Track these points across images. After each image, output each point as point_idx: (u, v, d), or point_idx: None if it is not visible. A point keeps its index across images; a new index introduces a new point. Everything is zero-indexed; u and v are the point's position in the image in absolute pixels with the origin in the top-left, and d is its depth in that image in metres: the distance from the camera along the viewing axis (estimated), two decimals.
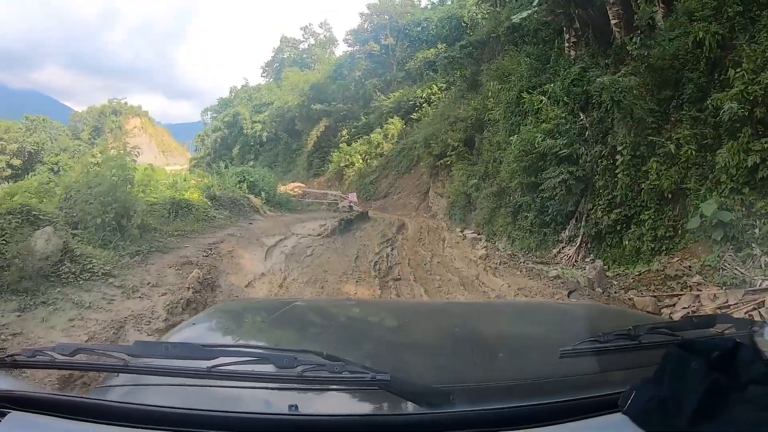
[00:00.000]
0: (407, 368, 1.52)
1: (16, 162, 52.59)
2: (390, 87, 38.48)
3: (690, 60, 9.32)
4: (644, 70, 9.76)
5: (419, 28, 41.35)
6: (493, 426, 1.10)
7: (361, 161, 33.59)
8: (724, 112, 8.03)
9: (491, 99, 16.48)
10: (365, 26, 44.65)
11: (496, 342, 1.94)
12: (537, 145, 11.37)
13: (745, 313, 6.20)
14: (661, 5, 10.88)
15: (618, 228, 9.72)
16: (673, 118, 9.48)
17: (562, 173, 10.72)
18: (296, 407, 1.13)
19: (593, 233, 10.20)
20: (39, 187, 11.51)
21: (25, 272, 6.27)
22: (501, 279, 8.84)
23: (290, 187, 28.44)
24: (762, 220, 7.46)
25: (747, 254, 7.47)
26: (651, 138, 9.31)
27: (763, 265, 7.17)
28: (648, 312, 6.53)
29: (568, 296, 7.74)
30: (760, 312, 6.15)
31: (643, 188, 9.19)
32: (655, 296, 7.28)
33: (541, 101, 12.18)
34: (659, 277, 7.91)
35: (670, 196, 8.89)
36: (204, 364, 1.21)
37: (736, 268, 7.36)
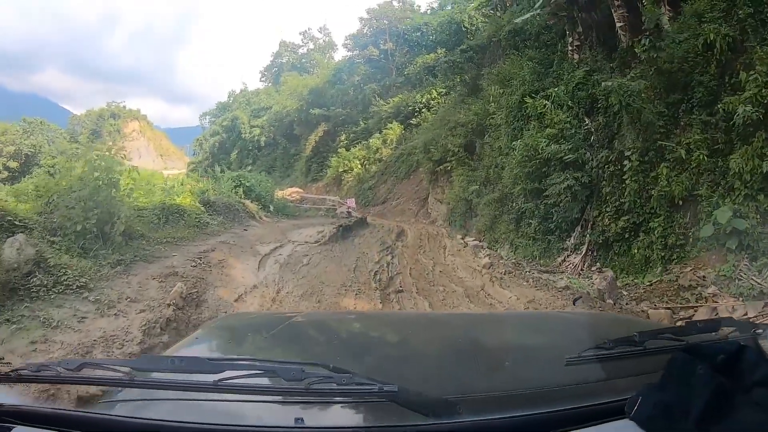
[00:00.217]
0: (413, 380, 1.50)
1: (13, 164, 52.17)
2: (389, 92, 38.24)
3: (700, 63, 9.04)
4: (653, 73, 9.46)
5: (419, 33, 41.21)
6: None
7: (359, 166, 33.30)
8: (738, 116, 7.73)
9: (492, 103, 16.12)
10: (364, 31, 44.48)
11: (502, 352, 1.96)
12: (541, 151, 11.07)
13: None
14: (667, 8, 10.63)
15: (626, 236, 9.40)
16: (682, 123, 9.18)
17: (567, 179, 10.40)
18: (302, 420, 1.14)
19: (600, 241, 9.87)
20: (17, 190, 11.07)
21: None
22: (508, 290, 8.47)
23: (288, 193, 28.21)
24: None
25: (763, 263, 7.16)
26: (660, 143, 9.01)
27: None
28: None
29: (574, 303, 7.75)
30: None
31: (652, 195, 8.87)
32: (669, 308, 6.94)
33: (545, 105, 11.87)
34: (672, 288, 7.58)
35: (680, 202, 8.57)
36: (211, 377, 1.21)
37: (752, 278, 7.05)
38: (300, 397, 1.24)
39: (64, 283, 6.49)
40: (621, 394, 1.15)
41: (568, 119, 11.16)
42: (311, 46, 58.05)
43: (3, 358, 4.91)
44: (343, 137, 38.35)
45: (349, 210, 23.32)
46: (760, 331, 1.41)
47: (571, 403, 1.21)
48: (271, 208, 19.67)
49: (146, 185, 14.64)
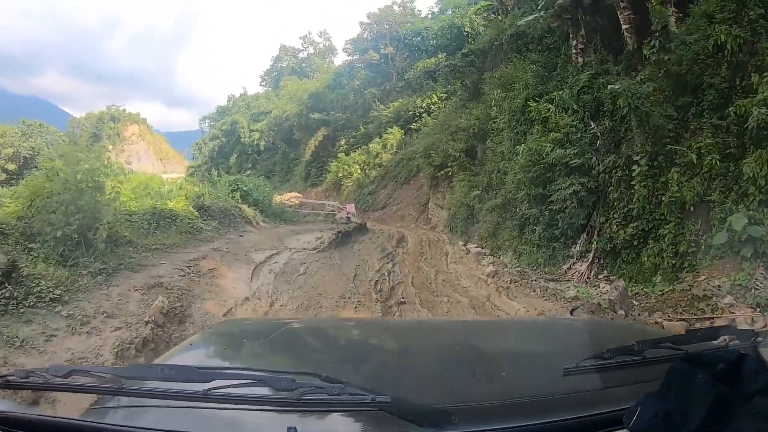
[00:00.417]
0: (408, 388, 1.47)
1: (12, 167, 51.94)
2: (389, 97, 38.10)
3: (710, 64, 8.83)
4: (662, 75, 9.20)
5: (419, 38, 41.07)
6: None
7: (359, 171, 33.11)
8: (752, 119, 7.48)
9: (494, 108, 15.88)
10: (365, 35, 44.29)
11: (499, 360, 1.95)
12: (545, 155, 10.76)
13: None
14: (674, 9, 10.40)
15: (635, 243, 9.06)
16: (692, 126, 8.92)
17: (573, 184, 10.07)
18: (294, 430, 1.10)
19: (608, 249, 9.54)
20: (15, 192, 10.65)
21: None
22: (515, 301, 8.13)
23: (287, 197, 27.95)
24: None
25: None
26: (670, 147, 8.71)
27: None
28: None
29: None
30: None
31: (662, 200, 8.55)
32: (684, 319, 6.61)
33: (549, 109, 11.58)
34: (685, 298, 7.25)
35: (692, 209, 8.25)
36: (200, 386, 1.19)
37: None
38: (291, 408, 1.22)
39: (37, 294, 6.03)
40: (620, 404, 1.13)
41: (574, 123, 10.86)
42: (311, 50, 57.88)
43: None
44: (342, 142, 38.19)
45: (349, 215, 23.11)
46: (761, 339, 1.40)
47: (568, 413, 1.19)
48: (269, 213, 19.33)
49: (137, 188, 14.28)
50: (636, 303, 7.65)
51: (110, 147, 62.86)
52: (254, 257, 10.49)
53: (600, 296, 8.18)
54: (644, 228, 8.95)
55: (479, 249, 13.53)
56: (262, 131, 49.07)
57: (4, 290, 5.80)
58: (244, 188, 19.12)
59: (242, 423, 1.27)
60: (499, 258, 12.37)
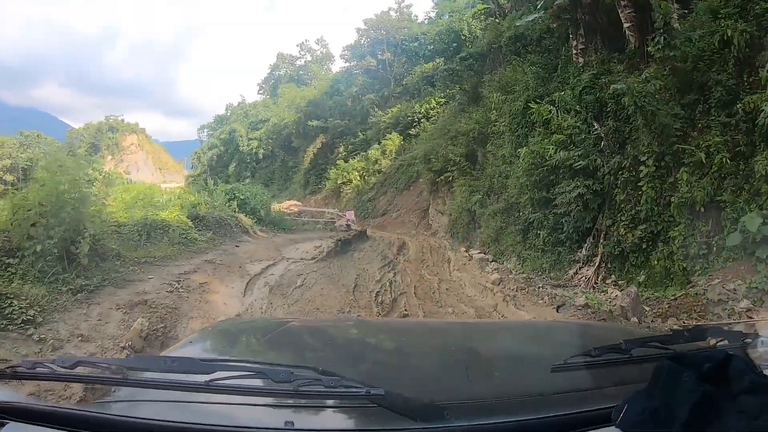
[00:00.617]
0: (402, 385, 1.44)
1: (10, 178, 51.75)
2: (387, 102, 38.02)
3: (717, 60, 8.57)
4: (668, 72, 8.94)
5: (416, 43, 41.00)
6: None
7: (358, 178, 32.97)
8: (763, 115, 7.23)
9: (494, 111, 15.63)
10: (362, 42, 44.23)
11: (491, 359, 2.00)
12: (548, 158, 10.47)
13: None
14: (677, 5, 10.17)
15: (643, 246, 8.77)
16: (699, 125, 8.64)
17: (578, 187, 9.79)
18: (292, 423, 1.15)
19: (615, 252, 9.24)
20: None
21: None
22: (524, 311, 7.83)
23: (286, 205, 27.71)
24: None
25: None
26: (679, 146, 8.43)
27: None
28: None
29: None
30: None
31: (671, 202, 8.25)
32: (701, 326, 6.30)
33: (550, 111, 11.32)
34: (699, 303, 6.95)
35: (702, 209, 7.95)
36: (202, 378, 1.22)
37: None
38: (289, 399, 1.27)
39: (8, 316, 5.65)
40: (608, 402, 1.14)
41: (577, 124, 10.58)
42: (309, 57, 57.78)
43: None
44: (341, 149, 38.11)
45: (349, 223, 22.85)
46: (749, 340, 1.42)
47: (558, 410, 1.20)
48: (267, 222, 18.99)
49: (135, 198, 13.95)
50: (647, 309, 7.35)
51: (109, 157, 63.08)
52: (249, 269, 10.12)
53: (610, 302, 7.88)
54: (653, 230, 8.66)
55: (482, 255, 13.25)
56: (261, 139, 49.01)
57: None
58: (241, 197, 18.74)
59: (242, 414, 1.28)
60: (502, 264, 12.09)
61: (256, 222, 17.43)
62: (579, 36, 12.83)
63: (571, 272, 9.96)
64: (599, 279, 9.36)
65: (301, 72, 56.80)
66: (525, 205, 11.77)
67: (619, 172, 9.49)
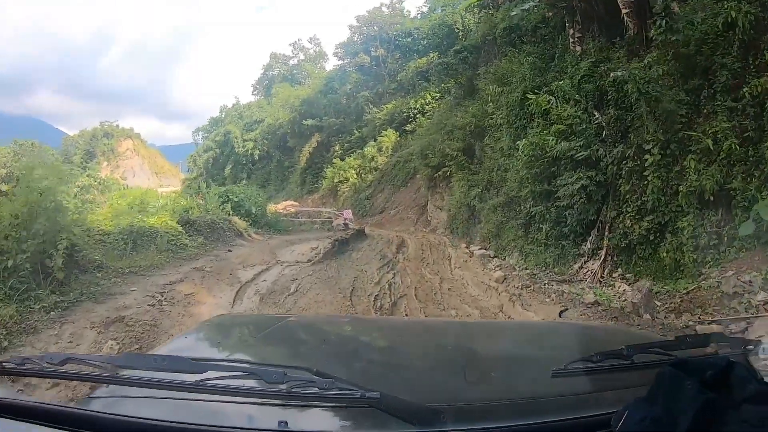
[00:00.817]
0: (398, 386, 1.50)
1: (5, 187, 51.24)
2: (382, 99, 37.74)
3: (721, 44, 8.26)
4: (670, 57, 8.63)
5: (409, 38, 40.65)
6: None
7: (355, 176, 32.78)
8: None
9: (491, 103, 15.30)
10: (354, 39, 43.84)
11: (489, 361, 1.97)
12: (549, 149, 10.15)
13: None
14: None
15: (651, 238, 8.46)
16: (705, 110, 8.34)
17: (581, 178, 9.46)
18: (285, 423, 1.12)
19: (622, 245, 8.92)
20: None
21: None
22: (531, 311, 7.48)
23: (282, 206, 27.47)
24: None
25: None
26: (684, 133, 8.13)
27: None
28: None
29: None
30: None
31: (680, 191, 7.94)
32: (717, 321, 6.00)
33: (549, 101, 11.00)
34: (714, 296, 6.63)
35: (711, 198, 7.65)
36: (192, 377, 1.21)
37: None
38: (282, 401, 1.23)
39: None
40: (607, 408, 1.11)
41: (577, 114, 10.25)
42: (302, 56, 57.47)
43: None
44: (337, 147, 37.85)
45: (346, 222, 22.56)
46: (751, 347, 1.38)
47: (556, 415, 1.19)
48: (263, 224, 18.60)
49: (132, 204, 13.55)
50: (659, 303, 7.04)
51: (105, 163, 62.72)
52: (240, 275, 9.70)
53: (619, 297, 7.58)
54: (660, 221, 8.34)
55: (483, 251, 12.95)
56: (256, 140, 48.71)
57: None
58: (235, 199, 18.37)
59: (233, 415, 1.26)
60: (504, 260, 11.79)
61: (250, 224, 17.09)
62: (576, 24, 12.53)
63: (576, 266, 9.66)
64: (605, 273, 9.05)
65: (294, 71, 56.52)
66: (526, 198, 11.45)
67: (623, 162, 9.17)
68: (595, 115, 10.21)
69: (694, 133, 8.02)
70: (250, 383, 1.23)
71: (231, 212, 16.65)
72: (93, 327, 6.35)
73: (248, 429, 1.20)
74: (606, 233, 9.38)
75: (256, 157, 48.90)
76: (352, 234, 17.61)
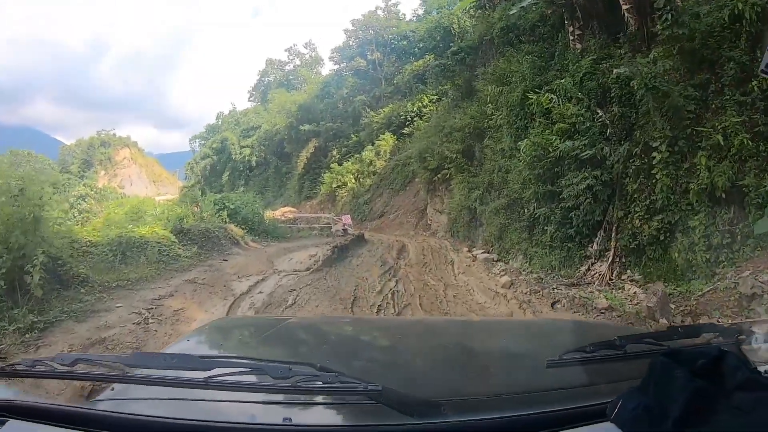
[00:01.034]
0: (399, 382, 1.46)
1: (2, 198, 51.02)
2: (379, 102, 37.62)
3: (727, 37, 8.04)
4: (676, 52, 8.39)
5: (405, 41, 40.60)
6: None
7: (353, 181, 32.57)
8: None
9: (490, 104, 15.03)
10: (350, 43, 43.73)
11: (487, 356, 2.04)
12: (552, 149, 9.88)
13: None
14: None
15: (661, 238, 8.18)
16: (713, 105, 8.09)
17: (587, 178, 9.19)
18: (290, 419, 1.16)
19: (631, 246, 8.63)
20: None
21: None
22: (542, 319, 7.11)
23: (280, 212, 27.26)
24: None
25: None
26: (694, 129, 7.87)
27: None
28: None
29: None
30: None
31: (691, 188, 7.65)
32: (737, 324, 5.70)
33: (551, 100, 10.75)
34: (732, 297, 6.32)
35: (723, 195, 7.38)
36: (201, 374, 1.23)
37: None
38: (287, 395, 1.26)
39: None
40: (602, 398, 1.14)
41: (580, 112, 10.00)
42: (297, 62, 57.38)
43: None
44: (334, 152, 37.67)
45: (345, 227, 22.32)
46: (743, 337, 1.42)
47: (553, 405, 1.21)
48: (260, 231, 18.23)
49: (119, 211, 13.13)
50: (673, 306, 6.74)
51: (102, 172, 62.41)
52: (235, 287, 9.25)
53: (630, 300, 7.28)
54: (670, 220, 8.05)
55: (486, 254, 12.67)
56: (253, 147, 48.61)
57: None
58: (232, 206, 18.01)
59: (241, 411, 1.25)
60: (508, 263, 11.50)
61: (247, 232, 16.75)
62: (575, 21, 12.32)
63: (583, 269, 9.36)
64: (614, 275, 8.77)
65: (290, 77, 56.42)
66: (529, 199, 11.16)
67: (630, 161, 8.90)
68: (598, 113, 9.96)
69: (704, 129, 7.76)
70: (256, 379, 1.25)
71: (227, 220, 16.28)
72: (71, 350, 5.85)
73: (255, 424, 1.20)
74: (613, 234, 9.10)
75: (254, 164, 48.80)
76: (351, 239, 17.33)
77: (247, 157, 48.76)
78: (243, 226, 16.77)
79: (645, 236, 8.35)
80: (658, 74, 8.13)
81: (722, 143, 7.46)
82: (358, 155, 34.18)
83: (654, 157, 8.25)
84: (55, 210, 9.08)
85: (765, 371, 1.05)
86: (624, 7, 10.66)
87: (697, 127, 7.93)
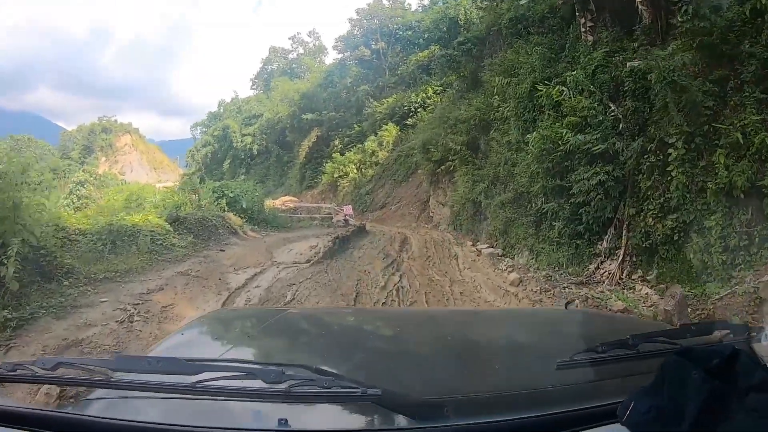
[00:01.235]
0: (400, 380, 1.48)
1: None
2: (383, 93, 37.35)
3: (748, 32, 7.73)
4: (695, 45, 8.10)
5: (410, 32, 40.29)
6: None
7: (355, 171, 32.35)
8: None
9: (497, 96, 14.78)
10: (354, 32, 43.41)
11: (492, 352, 1.95)
12: (563, 143, 9.60)
13: None
14: None
15: (675, 238, 7.91)
16: (732, 102, 7.79)
17: (598, 173, 8.91)
18: (285, 421, 1.11)
19: (644, 245, 8.37)
20: None
21: None
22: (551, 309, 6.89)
23: (280, 202, 27.03)
24: None
25: None
26: (712, 125, 7.59)
27: None
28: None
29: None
30: None
31: (708, 187, 7.37)
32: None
33: (562, 92, 10.46)
34: (752, 302, 6.04)
35: (741, 195, 7.11)
36: (188, 379, 1.19)
37: None
38: (281, 401, 1.18)
39: None
40: (613, 398, 1.10)
41: (593, 105, 9.71)
42: (301, 50, 57.12)
43: None
44: (337, 142, 37.43)
45: (347, 217, 22.10)
46: (755, 334, 1.37)
47: (561, 406, 1.18)
48: (260, 220, 17.90)
49: (129, 199, 12.75)
50: (688, 309, 6.49)
51: (103, 159, 62.49)
52: (231, 280, 8.78)
53: (644, 302, 7.03)
54: (685, 220, 7.78)
55: (491, 249, 12.43)
56: (255, 135, 48.38)
57: None
58: (231, 194, 17.63)
59: (231, 415, 1.25)
60: (514, 258, 11.25)
61: (246, 221, 16.43)
62: (588, 13, 12.05)
63: (591, 267, 9.10)
64: (624, 274, 8.52)
65: (293, 65, 56.15)
66: (537, 194, 10.86)
67: (644, 157, 8.62)
68: (610, 107, 9.68)
69: (723, 126, 7.47)
70: (248, 383, 1.19)
71: (226, 208, 15.95)
72: (44, 352, 5.34)
73: (248, 430, 1.20)
74: (624, 232, 8.84)
75: (255, 152, 48.64)
76: (352, 231, 17.09)
77: (248, 146, 48.60)
78: (242, 215, 16.46)
79: (659, 235, 8.08)
80: (677, 68, 7.83)
81: (741, 141, 7.19)
82: (360, 145, 33.99)
83: (670, 154, 7.97)
84: (48, 194, 8.65)
85: None
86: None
87: (714, 123, 7.65)
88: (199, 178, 23.56)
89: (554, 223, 10.17)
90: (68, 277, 7.36)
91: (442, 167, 19.39)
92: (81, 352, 5.52)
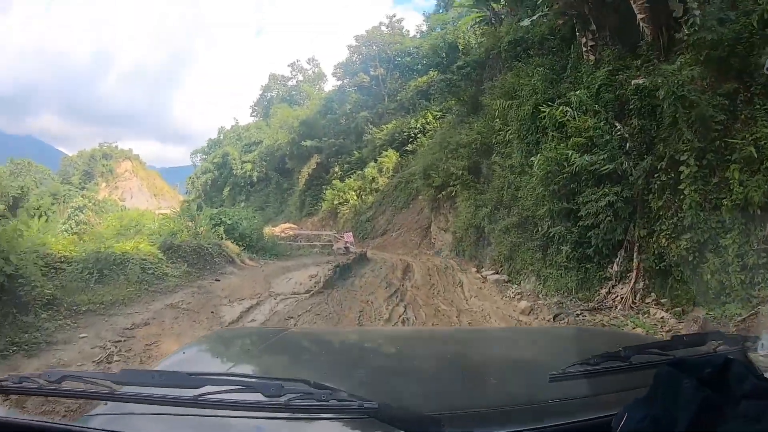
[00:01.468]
0: (397, 394, 1.49)
1: (0, 207, 50.72)
2: (382, 119, 37.36)
3: (757, 43, 7.50)
4: (703, 59, 7.89)
5: (409, 58, 40.54)
6: None
7: (355, 198, 32.23)
8: None
9: (498, 119, 14.64)
10: (354, 59, 43.74)
11: (489, 367, 1.97)
12: (569, 164, 9.31)
13: None
14: None
15: (690, 258, 7.56)
16: (743, 116, 7.54)
17: (607, 195, 8.60)
18: None
19: (658, 267, 8.01)
20: None
21: None
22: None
23: (280, 229, 26.72)
24: None
25: None
26: (725, 140, 7.32)
27: None
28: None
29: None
30: None
31: (724, 204, 7.06)
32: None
33: (566, 113, 10.22)
34: None
35: (758, 211, 6.79)
36: (190, 392, 1.21)
37: None
38: (280, 413, 1.21)
39: None
40: (607, 410, 1.11)
41: (598, 125, 9.46)
42: (300, 77, 57.58)
43: None
44: (336, 168, 37.45)
45: (347, 245, 21.80)
46: (749, 343, 1.39)
47: (556, 419, 1.19)
48: (258, 248, 17.51)
49: (127, 225, 12.37)
50: None
51: (103, 184, 62.58)
52: (225, 314, 8.27)
53: (661, 327, 6.66)
54: (699, 239, 7.44)
55: (497, 275, 12.06)
56: (254, 162, 48.51)
57: None
58: (228, 221, 17.25)
59: (232, 429, 1.26)
60: (520, 284, 10.87)
61: (244, 249, 16.04)
62: (588, 32, 11.92)
63: (602, 291, 8.73)
64: (637, 298, 8.15)
65: (293, 92, 56.60)
66: (543, 217, 10.54)
67: (656, 175, 8.32)
68: (617, 126, 9.43)
69: (736, 141, 7.19)
70: (248, 397, 1.19)
71: (223, 236, 15.54)
72: (4, 400, 4.89)
73: None
74: (635, 254, 8.50)
75: (255, 179, 48.75)
76: (353, 259, 16.74)
77: (248, 173, 48.74)
78: (240, 243, 16.02)
79: (673, 256, 7.73)
80: (685, 82, 7.61)
81: (755, 155, 6.91)
82: (360, 172, 33.99)
83: (681, 171, 7.67)
84: (46, 219, 8.24)
85: None
86: (639, 16, 10.24)
87: (726, 138, 7.39)
88: (197, 205, 23.26)
89: (562, 247, 9.81)
90: (48, 308, 6.92)
91: (444, 193, 19.21)
92: (46, 400, 4.64)
